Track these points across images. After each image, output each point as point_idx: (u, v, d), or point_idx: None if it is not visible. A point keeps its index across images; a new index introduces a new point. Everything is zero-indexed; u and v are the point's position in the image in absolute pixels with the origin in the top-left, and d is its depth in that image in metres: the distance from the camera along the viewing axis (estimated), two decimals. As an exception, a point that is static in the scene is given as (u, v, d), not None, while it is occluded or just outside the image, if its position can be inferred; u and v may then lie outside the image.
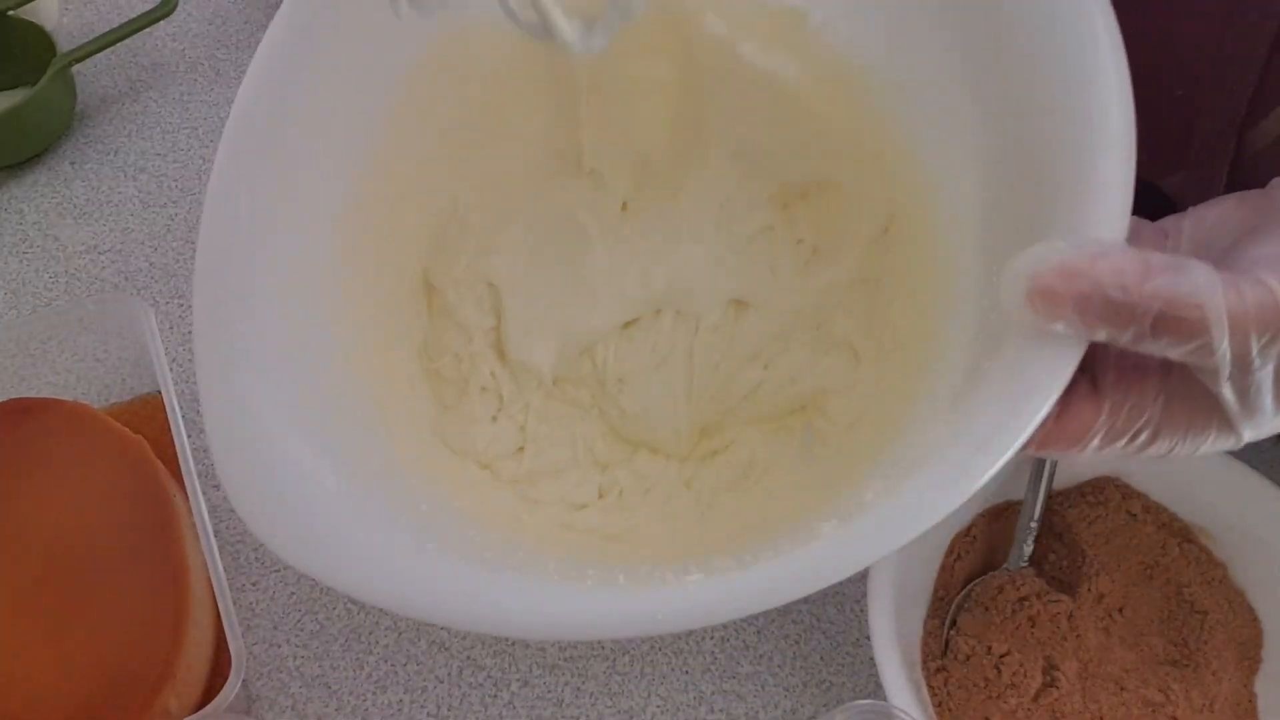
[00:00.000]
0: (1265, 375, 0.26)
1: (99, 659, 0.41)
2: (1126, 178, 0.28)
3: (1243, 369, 0.26)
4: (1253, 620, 0.44)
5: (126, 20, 0.66)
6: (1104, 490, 0.46)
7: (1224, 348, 0.26)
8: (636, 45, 0.42)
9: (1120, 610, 0.44)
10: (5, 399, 0.49)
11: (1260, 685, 0.43)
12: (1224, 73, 0.37)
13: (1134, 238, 0.29)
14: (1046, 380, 0.27)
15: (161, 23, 0.67)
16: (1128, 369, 0.29)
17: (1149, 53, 0.38)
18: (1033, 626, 0.43)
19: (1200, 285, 0.25)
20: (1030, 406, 0.27)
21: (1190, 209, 0.32)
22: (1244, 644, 0.43)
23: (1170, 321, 0.25)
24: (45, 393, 0.50)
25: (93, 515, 0.45)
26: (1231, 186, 0.36)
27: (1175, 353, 0.26)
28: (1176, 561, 0.45)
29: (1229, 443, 0.29)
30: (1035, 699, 0.41)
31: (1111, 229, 0.28)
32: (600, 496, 0.44)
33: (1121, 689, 0.42)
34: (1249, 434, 0.29)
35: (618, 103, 0.44)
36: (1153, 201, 0.42)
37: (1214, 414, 0.28)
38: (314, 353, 0.37)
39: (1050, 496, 0.46)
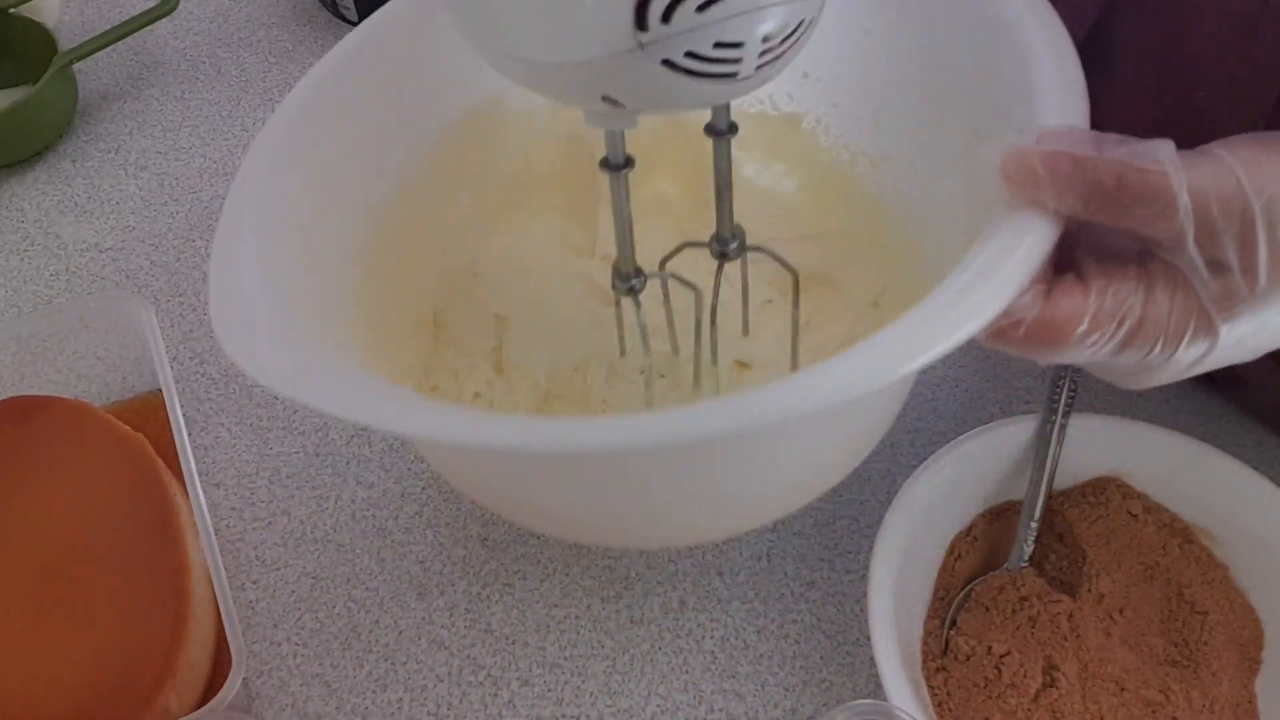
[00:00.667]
0: (1229, 240, 0.27)
1: (99, 657, 0.41)
2: None
3: (1207, 233, 0.27)
4: (1253, 621, 0.44)
5: (128, 18, 0.66)
6: (1105, 490, 0.46)
7: (1184, 200, 0.26)
8: (649, 169, 0.46)
9: (1121, 611, 0.44)
10: (6, 397, 0.49)
11: (1261, 686, 0.43)
12: (1247, 76, 0.37)
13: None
14: (1029, 235, 0.28)
15: (163, 21, 0.67)
16: (1108, 260, 0.30)
17: (1171, 55, 0.38)
18: (1033, 626, 0.43)
19: (1157, 149, 0.27)
20: (1016, 255, 0.28)
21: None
22: (1244, 645, 0.43)
23: (1134, 180, 0.26)
24: (46, 391, 0.50)
25: (93, 513, 0.45)
26: None
27: (1141, 218, 0.27)
28: (1177, 562, 0.45)
29: (1206, 342, 0.29)
30: (1035, 699, 0.41)
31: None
32: None
33: (1122, 689, 0.41)
34: (1225, 328, 0.29)
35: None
36: None
37: (1192, 308, 0.29)
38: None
39: (1051, 496, 0.46)
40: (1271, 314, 0.29)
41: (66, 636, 0.42)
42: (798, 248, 0.47)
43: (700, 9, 0.26)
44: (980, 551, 0.46)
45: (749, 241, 0.40)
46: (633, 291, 0.39)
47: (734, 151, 0.38)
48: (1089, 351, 0.30)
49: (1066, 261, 0.30)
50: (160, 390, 0.48)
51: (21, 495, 0.45)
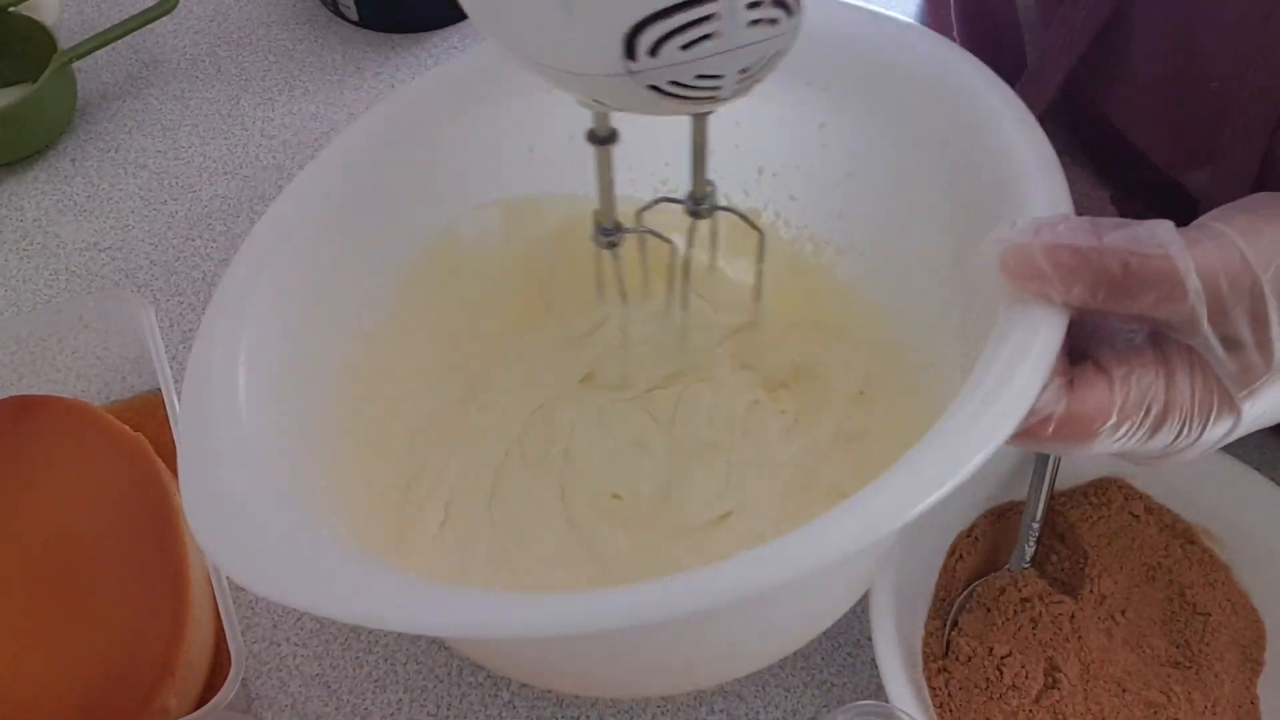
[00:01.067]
0: (1241, 316, 0.27)
1: (98, 656, 0.41)
2: None
3: (1219, 312, 0.27)
4: (1255, 622, 0.44)
5: (127, 17, 0.66)
6: (1107, 491, 0.46)
7: (1194, 282, 0.26)
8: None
9: (1123, 612, 0.44)
10: (5, 396, 0.48)
11: (1263, 688, 0.43)
12: (1261, 66, 0.36)
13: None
14: (1042, 330, 0.28)
15: (162, 19, 0.67)
16: (1123, 348, 0.30)
17: (1183, 44, 0.38)
18: (1034, 628, 0.43)
19: (1157, 231, 0.26)
20: (1034, 353, 0.28)
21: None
22: (1247, 646, 0.43)
23: (1138, 266, 0.26)
24: (45, 390, 0.50)
25: (92, 513, 0.45)
26: (1260, 184, 0.36)
27: (1151, 304, 0.27)
28: (1179, 563, 0.45)
29: (1230, 420, 0.29)
30: (1037, 700, 0.41)
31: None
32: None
33: (1123, 690, 0.41)
34: (1247, 405, 0.29)
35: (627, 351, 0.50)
36: (1177, 200, 0.42)
37: (1212, 388, 0.29)
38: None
39: (1053, 497, 0.46)
40: None
41: (65, 636, 0.42)
42: (771, 345, 0.49)
43: (684, 48, 0.28)
44: (981, 552, 0.46)
45: (721, 204, 0.42)
46: (612, 245, 0.42)
47: (695, 249, 0.44)
48: (1119, 444, 0.30)
49: (1078, 348, 0.30)
50: (160, 389, 0.48)
51: (21, 495, 0.45)
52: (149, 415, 0.51)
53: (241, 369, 0.36)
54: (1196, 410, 0.29)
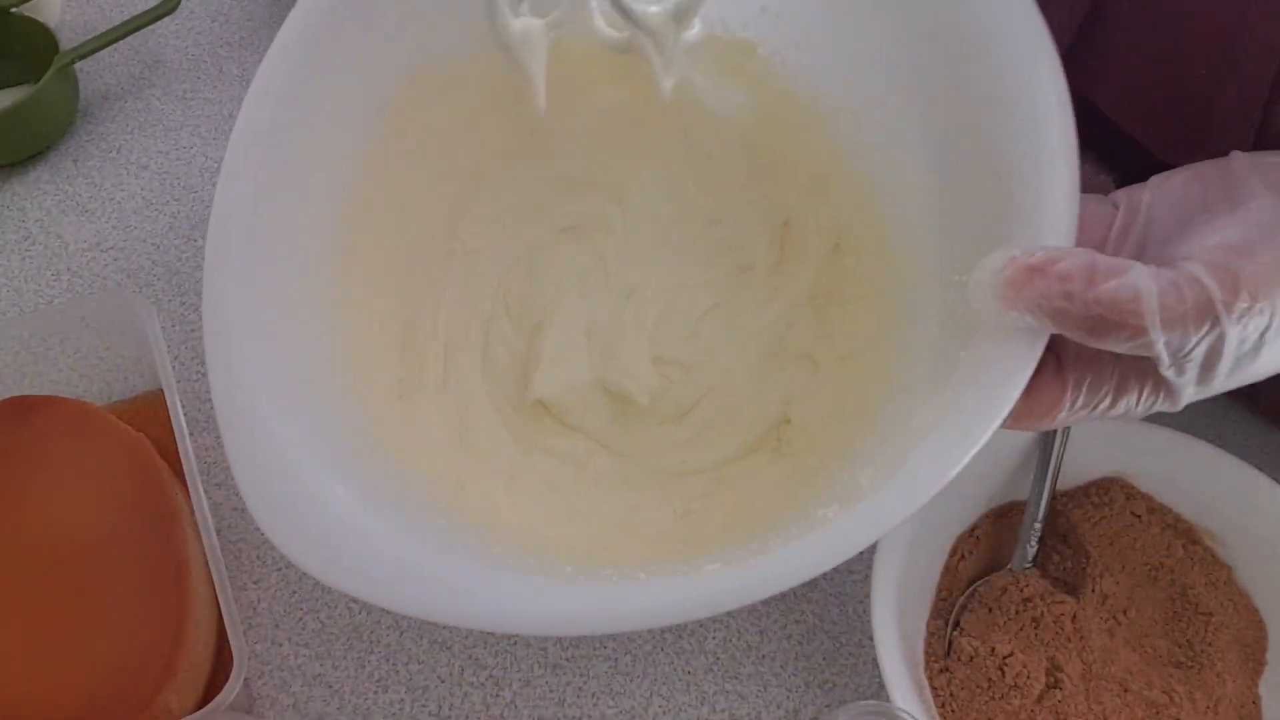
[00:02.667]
0: (1198, 355, 0.29)
1: (100, 657, 0.41)
2: (1071, 185, 0.32)
3: (1178, 356, 0.29)
4: (1257, 622, 0.44)
5: (129, 17, 0.66)
6: (1109, 491, 0.46)
7: (1160, 345, 0.28)
8: (600, 76, 0.46)
9: (1125, 612, 0.44)
10: (7, 397, 0.48)
11: (1265, 688, 0.43)
12: (1248, 50, 0.37)
13: (1085, 214, 0.32)
14: (1020, 360, 0.30)
15: (164, 20, 0.67)
16: (1087, 348, 0.31)
17: (1172, 29, 0.39)
18: (1037, 627, 0.43)
19: (1140, 291, 0.28)
20: (1009, 383, 0.30)
21: (1151, 179, 0.34)
22: (1249, 646, 0.43)
23: (1113, 324, 0.28)
24: (47, 391, 0.50)
25: (95, 513, 0.45)
26: None
27: (1122, 343, 0.29)
28: (1182, 563, 0.45)
29: (1166, 404, 0.32)
30: (1039, 700, 0.41)
31: (1059, 234, 0.31)
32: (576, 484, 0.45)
33: (1125, 690, 0.41)
34: (1185, 398, 0.32)
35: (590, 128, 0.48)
36: None
37: (1160, 388, 0.31)
38: (316, 381, 0.38)
39: (1055, 497, 0.46)
40: (1231, 383, 0.31)
41: (67, 636, 0.42)
42: (760, 188, 0.47)
43: None
44: (984, 552, 0.46)
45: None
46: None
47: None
48: (1061, 424, 0.33)
49: (1049, 340, 0.32)
50: (162, 390, 0.48)
51: (22, 495, 0.45)
52: (151, 415, 0.51)
53: (256, 228, 0.38)
54: (1141, 404, 0.32)
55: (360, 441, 0.38)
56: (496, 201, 0.48)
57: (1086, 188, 0.34)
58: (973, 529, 0.46)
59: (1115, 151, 0.46)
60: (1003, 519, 0.47)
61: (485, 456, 0.44)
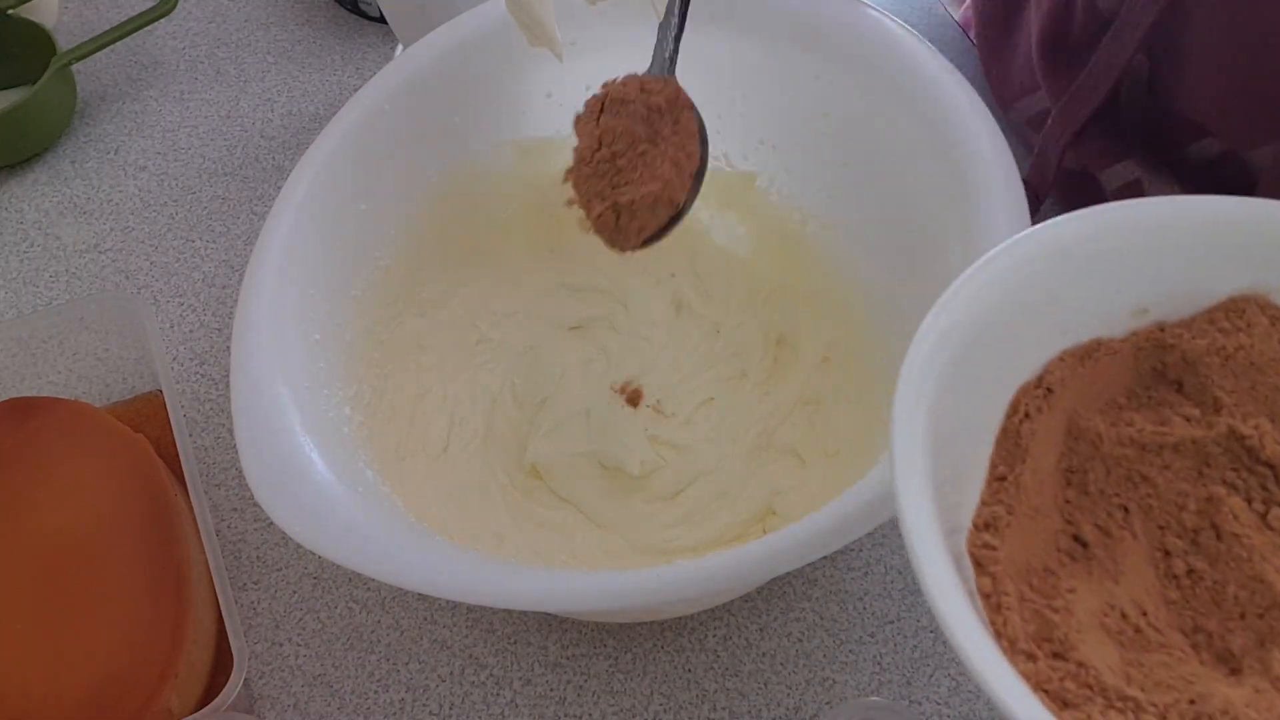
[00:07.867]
0: None
1: (100, 657, 0.41)
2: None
3: None
4: None
5: (126, 19, 0.66)
6: (1245, 313, 0.33)
7: None
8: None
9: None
10: (6, 398, 0.49)
11: None
12: None
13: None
14: None
15: (161, 21, 0.67)
16: None
17: (1246, 35, 0.39)
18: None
19: None
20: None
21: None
22: None
23: None
24: (46, 392, 0.50)
25: (94, 514, 0.45)
26: None
27: None
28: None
29: None
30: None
31: None
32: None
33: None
34: None
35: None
36: (1236, 174, 0.43)
37: None
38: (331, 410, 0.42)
39: (1162, 330, 0.33)
40: None
41: (67, 637, 0.42)
42: (757, 308, 0.52)
43: None
44: (1061, 408, 0.32)
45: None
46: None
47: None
48: None
49: None
50: (160, 391, 0.48)
51: (22, 496, 0.45)
52: (149, 416, 0.51)
53: (285, 291, 0.42)
54: None
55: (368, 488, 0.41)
56: (514, 300, 0.53)
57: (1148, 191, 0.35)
58: (1041, 379, 0.33)
59: (1173, 146, 0.46)
60: (1086, 362, 0.33)
61: (475, 516, 0.47)
